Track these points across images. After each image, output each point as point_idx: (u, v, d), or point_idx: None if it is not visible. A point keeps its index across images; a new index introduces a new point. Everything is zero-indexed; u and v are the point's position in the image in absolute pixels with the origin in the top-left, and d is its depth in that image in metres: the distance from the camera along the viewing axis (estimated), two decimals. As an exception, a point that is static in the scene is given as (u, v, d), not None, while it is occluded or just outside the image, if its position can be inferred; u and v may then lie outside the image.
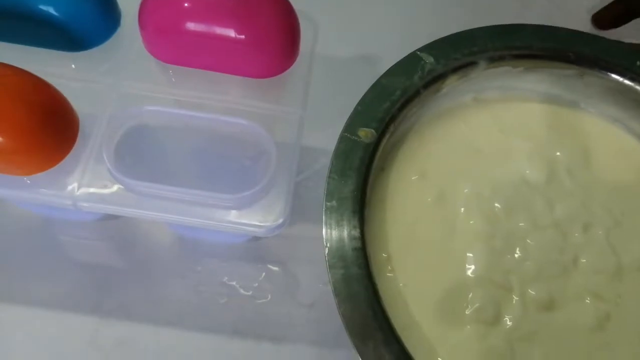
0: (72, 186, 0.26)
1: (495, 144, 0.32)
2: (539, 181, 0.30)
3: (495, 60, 0.31)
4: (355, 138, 0.28)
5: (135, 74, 0.29)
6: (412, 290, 0.27)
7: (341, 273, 0.25)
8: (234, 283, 0.35)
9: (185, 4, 0.27)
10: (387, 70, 0.30)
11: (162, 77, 0.29)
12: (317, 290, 0.35)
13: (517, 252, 0.28)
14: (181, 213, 0.26)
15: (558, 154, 0.31)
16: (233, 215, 0.26)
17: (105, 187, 0.26)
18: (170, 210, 0.26)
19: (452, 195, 0.30)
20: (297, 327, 0.34)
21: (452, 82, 0.31)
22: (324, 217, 0.26)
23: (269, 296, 0.35)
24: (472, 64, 0.31)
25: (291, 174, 0.27)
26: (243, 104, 0.28)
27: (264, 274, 0.36)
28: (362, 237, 0.25)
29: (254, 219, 0.26)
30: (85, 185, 0.26)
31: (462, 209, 0.29)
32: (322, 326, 0.34)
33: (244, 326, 0.34)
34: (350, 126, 0.28)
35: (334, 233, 0.25)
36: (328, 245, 0.25)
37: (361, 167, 0.27)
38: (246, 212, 0.26)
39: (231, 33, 0.27)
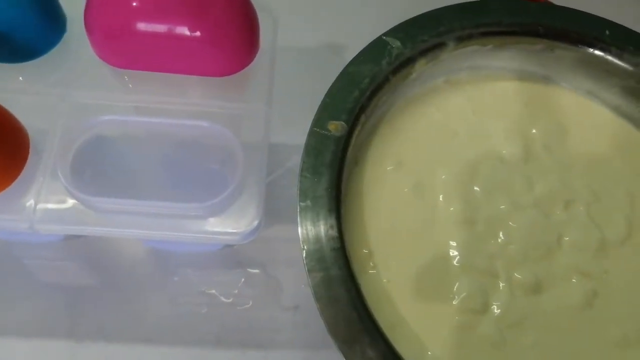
0: (28, 208, 0.24)
1: (470, 126, 0.31)
2: (516, 160, 0.30)
3: (464, 39, 0.30)
4: (325, 132, 0.27)
5: (87, 82, 0.27)
6: (396, 285, 0.26)
7: (321, 276, 0.24)
8: (213, 291, 0.34)
9: (134, 3, 0.25)
10: (353, 58, 0.29)
11: (117, 84, 0.27)
12: (300, 292, 0.34)
13: (501, 236, 0.27)
14: (148, 227, 0.24)
15: (534, 131, 0.30)
16: (204, 225, 0.25)
17: (63, 206, 0.24)
18: (137, 225, 0.25)
19: (430, 182, 0.29)
20: (283, 331, 0.33)
21: (421, 65, 0.30)
22: (299, 218, 0.24)
23: (251, 302, 0.34)
24: (440, 45, 0.30)
25: (261, 174, 0.25)
26: (205, 105, 0.27)
27: (243, 279, 0.34)
28: (341, 236, 0.24)
29: (227, 226, 0.25)
30: (41, 206, 0.24)
31: (441, 196, 0.29)
32: (309, 329, 0.33)
33: (227, 335, 0.33)
34: (319, 120, 0.27)
35: (310, 234, 0.24)
36: (305, 247, 0.24)
37: (334, 163, 0.26)
38: (218, 219, 0.25)
39: (185, 31, 0.26)
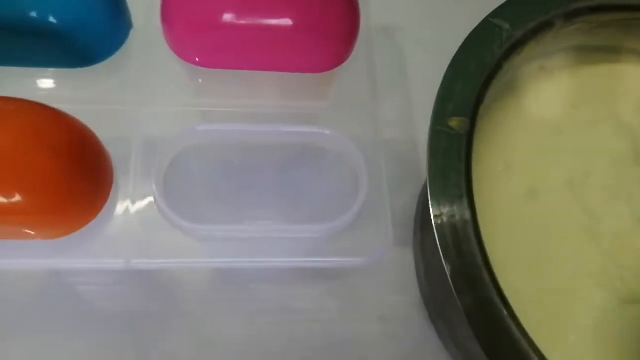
0: (119, 242, 0.20)
1: (573, 121, 0.28)
2: (630, 158, 0.27)
3: (571, 17, 0.27)
4: (448, 130, 0.23)
5: (162, 85, 0.23)
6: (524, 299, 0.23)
7: (471, 299, 0.21)
8: (293, 306, 0.31)
9: None
10: (462, 43, 0.25)
11: (197, 85, 0.23)
12: (384, 301, 0.32)
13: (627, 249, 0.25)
14: (261, 254, 0.21)
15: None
16: (322, 247, 0.21)
17: (160, 235, 0.21)
18: (248, 253, 0.21)
19: (543, 185, 0.26)
20: (373, 345, 0.31)
21: (530, 49, 0.26)
22: (437, 235, 0.21)
23: (335, 315, 0.31)
24: (548, 25, 0.27)
25: (382, 186, 0.22)
26: (305, 107, 0.23)
27: (324, 290, 0.31)
28: (484, 254, 0.21)
29: (351, 248, 0.21)
30: (135, 238, 0.20)
31: (557, 200, 0.26)
32: (400, 341, 0.31)
33: (314, 354, 0.30)
34: (439, 116, 0.24)
35: (451, 252, 0.21)
36: (450, 267, 0.21)
37: (461, 165, 0.23)
38: (338, 240, 0.22)
39: (280, 21, 0.22)
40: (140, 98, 0.23)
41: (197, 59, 0.23)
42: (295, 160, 0.24)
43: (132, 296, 0.30)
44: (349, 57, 0.24)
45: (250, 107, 0.24)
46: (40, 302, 0.28)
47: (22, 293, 0.28)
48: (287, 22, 0.22)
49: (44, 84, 0.23)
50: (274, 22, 0.22)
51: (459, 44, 0.25)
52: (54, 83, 0.23)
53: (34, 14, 0.20)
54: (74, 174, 0.19)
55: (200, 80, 0.24)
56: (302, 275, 0.31)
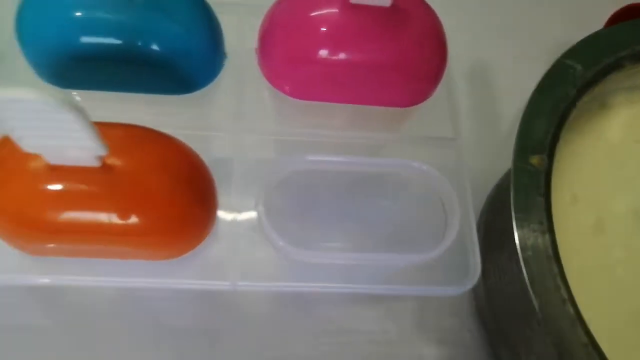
0: (225, 265, 0.21)
1: (635, 155, 0.29)
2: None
3: (638, 59, 0.28)
4: (530, 167, 0.24)
5: (255, 112, 0.24)
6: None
7: (557, 342, 0.22)
8: (354, 327, 0.32)
9: (322, 28, 0.22)
10: (538, 83, 0.27)
11: (285, 113, 0.24)
12: (443, 324, 0.32)
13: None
14: (358, 281, 0.22)
15: None
16: (415, 275, 0.22)
17: (264, 258, 0.21)
18: (336, 278, 0.22)
19: (609, 216, 0.27)
20: (433, 367, 0.31)
21: (599, 88, 0.28)
22: (526, 279, 0.22)
23: (395, 336, 0.32)
24: (618, 67, 0.28)
25: (469, 216, 0.23)
26: (389, 139, 0.24)
27: (383, 312, 0.32)
28: (571, 297, 0.22)
29: (442, 277, 0.22)
30: (239, 261, 0.21)
31: (623, 231, 0.27)
32: (457, 363, 0.32)
33: (376, 375, 0.31)
34: (521, 153, 0.25)
35: (543, 297, 0.22)
36: (542, 316, 0.22)
37: (542, 201, 0.24)
38: (428, 268, 0.23)
39: (376, 59, 0.23)
40: (234, 124, 0.24)
41: (287, 88, 0.24)
42: (384, 189, 0.25)
43: (203, 313, 0.31)
44: (433, 92, 0.25)
45: (335, 138, 0.24)
46: (117, 313, 0.29)
47: (105, 305, 0.29)
48: (380, 60, 0.23)
49: (144, 110, 0.24)
50: (367, 59, 0.23)
51: (534, 81, 0.27)
52: (153, 109, 0.24)
53: (139, 43, 0.21)
54: (191, 198, 0.20)
55: (288, 109, 0.25)
56: (362, 298, 0.32)
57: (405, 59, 0.23)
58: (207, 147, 0.23)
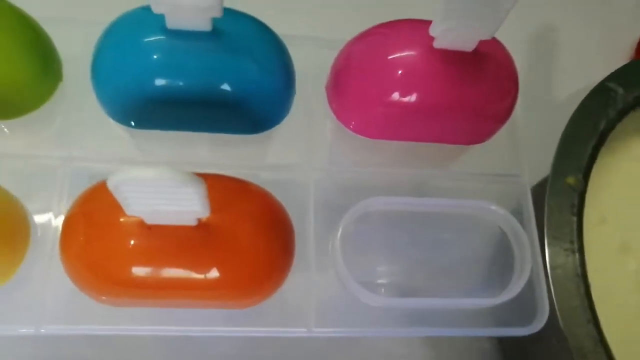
0: (300, 307, 0.22)
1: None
2: None
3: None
4: (566, 187, 0.26)
5: (321, 150, 0.25)
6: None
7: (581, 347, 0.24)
8: (396, 352, 0.31)
9: (399, 71, 0.22)
10: (579, 105, 0.28)
11: (355, 151, 0.25)
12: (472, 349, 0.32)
13: None
14: (428, 323, 0.23)
15: None
16: (482, 316, 0.24)
17: (343, 304, 0.23)
18: (416, 320, 0.23)
19: (636, 241, 0.28)
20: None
21: (636, 112, 0.29)
22: (554, 296, 0.24)
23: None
24: (656, 92, 0.29)
25: (537, 257, 0.24)
26: (454, 176, 0.26)
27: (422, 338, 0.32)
28: (595, 317, 0.24)
29: (511, 317, 0.24)
30: (314, 303, 0.22)
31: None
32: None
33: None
34: (558, 173, 0.26)
35: (568, 315, 0.24)
36: (564, 323, 0.24)
37: (575, 220, 0.26)
38: (499, 310, 0.24)
39: (455, 101, 0.23)
40: (303, 162, 0.24)
41: (356, 126, 0.24)
42: (454, 229, 0.25)
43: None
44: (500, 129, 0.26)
45: (397, 174, 0.25)
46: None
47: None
48: (457, 103, 0.23)
49: (208, 148, 0.25)
50: (444, 102, 0.23)
51: (573, 103, 0.28)
52: (217, 147, 0.25)
53: (216, 85, 0.21)
54: (276, 247, 0.20)
55: (352, 145, 0.25)
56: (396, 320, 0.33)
57: (481, 101, 0.23)
58: (279, 187, 0.22)
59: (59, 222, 0.21)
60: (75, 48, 0.24)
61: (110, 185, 0.15)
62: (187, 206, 0.17)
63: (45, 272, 0.21)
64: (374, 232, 0.24)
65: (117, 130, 0.24)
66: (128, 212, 0.17)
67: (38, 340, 0.27)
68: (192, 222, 0.18)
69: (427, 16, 0.22)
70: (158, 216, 0.18)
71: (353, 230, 0.23)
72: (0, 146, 0.23)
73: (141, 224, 0.18)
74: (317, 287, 0.22)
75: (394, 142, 0.25)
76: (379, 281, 0.24)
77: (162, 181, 0.15)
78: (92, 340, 0.27)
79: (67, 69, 0.24)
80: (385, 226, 0.24)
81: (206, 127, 0.23)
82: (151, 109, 0.22)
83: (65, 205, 0.22)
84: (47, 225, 0.22)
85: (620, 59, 0.35)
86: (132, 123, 0.23)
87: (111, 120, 0.23)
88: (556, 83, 0.34)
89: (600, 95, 0.28)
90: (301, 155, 0.24)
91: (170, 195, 0.16)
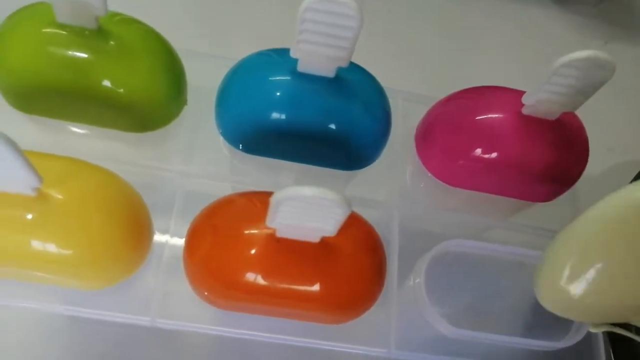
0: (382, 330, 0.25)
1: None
2: None
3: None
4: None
5: (414, 193, 0.28)
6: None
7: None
8: None
9: (490, 133, 0.25)
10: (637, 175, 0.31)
11: (439, 196, 0.28)
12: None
13: None
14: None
15: None
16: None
17: (424, 332, 0.25)
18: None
19: None
20: None
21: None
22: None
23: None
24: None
25: None
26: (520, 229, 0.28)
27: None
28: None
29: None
30: (394, 327, 0.25)
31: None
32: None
33: None
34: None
35: None
36: None
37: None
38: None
39: (537, 163, 0.26)
40: (387, 200, 0.27)
41: (446, 179, 0.27)
42: (523, 274, 0.27)
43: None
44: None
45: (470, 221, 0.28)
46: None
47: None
48: (538, 166, 0.26)
49: (299, 180, 0.28)
50: (527, 163, 0.26)
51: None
52: (305, 180, 0.27)
53: (328, 123, 0.24)
54: (376, 271, 0.23)
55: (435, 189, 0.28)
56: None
57: (556, 166, 0.26)
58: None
59: (174, 227, 0.24)
60: (198, 78, 0.27)
61: (276, 199, 0.18)
62: (324, 224, 0.19)
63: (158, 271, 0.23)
64: (452, 271, 0.26)
65: (224, 151, 0.27)
66: (271, 223, 0.19)
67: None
68: (316, 239, 0.21)
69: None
70: (291, 230, 0.20)
71: (435, 266, 0.25)
72: (128, 155, 0.26)
73: (270, 237, 0.21)
74: (397, 313, 0.25)
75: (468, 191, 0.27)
76: (454, 314, 0.26)
77: (320, 200, 0.17)
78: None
79: (191, 95, 0.27)
80: (461, 265, 0.27)
81: (306, 159, 0.26)
82: (264, 138, 0.25)
83: (178, 214, 0.24)
84: (163, 230, 0.24)
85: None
86: (240, 146, 0.26)
87: (220, 144, 0.26)
88: (597, 160, 0.37)
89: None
90: (385, 194, 0.27)
91: (317, 213, 0.18)
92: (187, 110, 0.27)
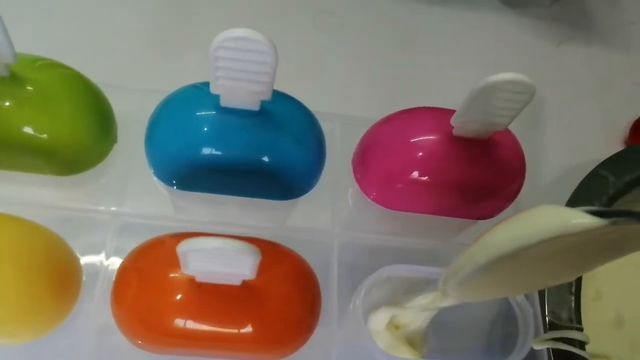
0: None
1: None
2: None
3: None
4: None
5: (355, 219, 0.28)
6: None
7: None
8: None
9: (419, 153, 0.25)
10: (575, 190, 0.31)
11: (380, 221, 0.28)
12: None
13: None
14: None
15: None
16: None
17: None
18: None
19: (629, 315, 0.31)
20: None
21: (628, 198, 0.32)
22: None
23: None
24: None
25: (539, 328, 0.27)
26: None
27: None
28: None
29: None
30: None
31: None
32: None
33: None
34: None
35: None
36: None
37: (572, 300, 0.28)
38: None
39: (471, 182, 0.26)
40: (327, 227, 0.27)
41: (386, 203, 0.27)
42: None
43: None
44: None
45: (408, 244, 0.28)
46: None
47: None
48: (473, 184, 0.26)
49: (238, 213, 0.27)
50: (461, 183, 0.26)
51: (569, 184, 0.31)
52: (248, 212, 0.27)
53: (257, 156, 0.24)
54: (306, 306, 0.23)
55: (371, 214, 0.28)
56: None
57: (492, 183, 0.26)
58: (303, 249, 0.25)
59: (106, 271, 0.24)
60: (129, 114, 0.26)
61: (181, 250, 0.17)
62: (239, 269, 0.19)
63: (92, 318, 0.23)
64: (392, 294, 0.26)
65: (160, 188, 0.26)
66: (185, 271, 0.19)
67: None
68: (237, 282, 0.20)
69: (441, 101, 0.25)
70: (209, 276, 0.20)
71: (374, 292, 0.25)
72: (57, 199, 0.25)
73: (191, 282, 0.20)
74: (338, 343, 0.24)
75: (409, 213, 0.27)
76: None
77: (226, 250, 0.17)
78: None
79: (123, 131, 0.27)
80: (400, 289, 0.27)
81: (241, 192, 0.26)
82: (195, 174, 0.25)
83: (111, 256, 0.24)
84: (94, 274, 0.24)
85: (614, 142, 0.38)
86: (174, 183, 0.26)
87: (155, 180, 0.26)
88: (553, 163, 0.37)
89: (593, 181, 0.31)
90: (325, 221, 0.27)
91: (228, 261, 0.18)
92: (117, 148, 0.26)
